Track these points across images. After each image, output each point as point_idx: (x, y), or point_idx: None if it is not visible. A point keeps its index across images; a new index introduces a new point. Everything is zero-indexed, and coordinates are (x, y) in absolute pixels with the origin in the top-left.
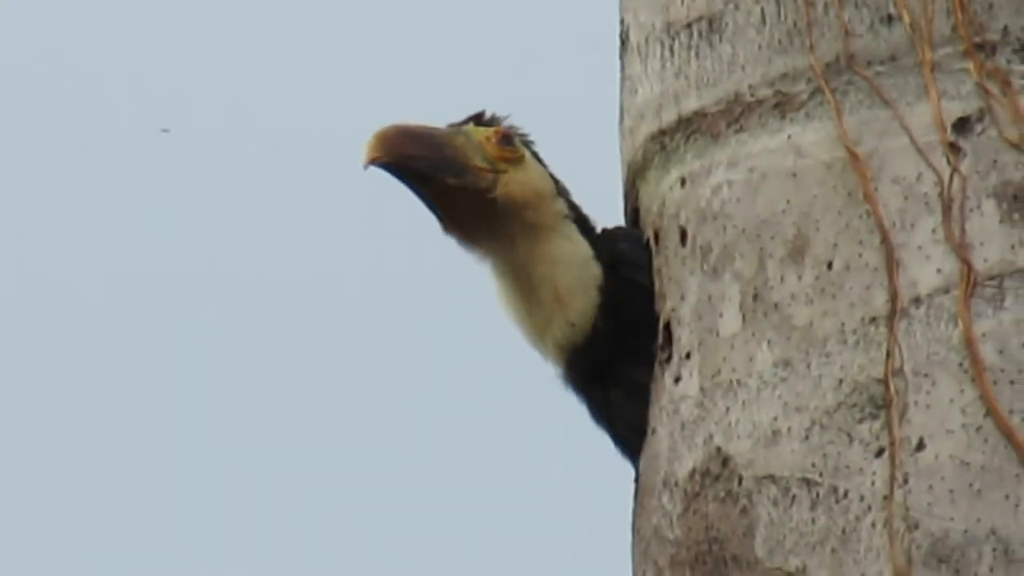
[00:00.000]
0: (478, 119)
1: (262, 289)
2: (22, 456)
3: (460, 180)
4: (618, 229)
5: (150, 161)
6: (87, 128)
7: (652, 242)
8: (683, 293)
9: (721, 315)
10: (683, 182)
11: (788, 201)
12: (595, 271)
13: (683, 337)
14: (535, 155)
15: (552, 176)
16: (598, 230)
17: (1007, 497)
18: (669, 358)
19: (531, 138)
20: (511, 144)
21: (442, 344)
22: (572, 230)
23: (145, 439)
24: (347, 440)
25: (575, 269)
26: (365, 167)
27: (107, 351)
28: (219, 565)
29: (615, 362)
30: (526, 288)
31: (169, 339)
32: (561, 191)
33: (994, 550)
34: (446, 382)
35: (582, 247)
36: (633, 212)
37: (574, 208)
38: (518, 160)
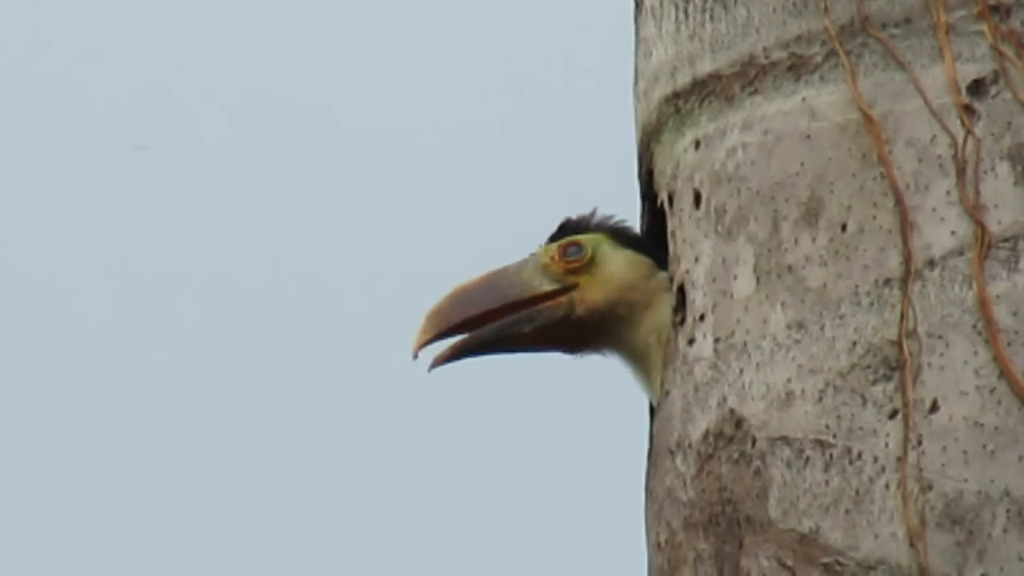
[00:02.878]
0: (558, 232)
1: (261, 291)
2: (21, 459)
3: (534, 324)
4: None
5: (144, 163)
6: (75, 129)
7: (666, 205)
8: (697, 256)
9: (735, 277)
10: (697, 144)
11: (802, 163)
12: None
13: (697, 299)
14: (623, 235)
15: (647, 245)
16: None
17: (1021, 458)
18: (683, 320)
19: (617, 219)
20: (577, 253)
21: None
22: (672, 295)
23: (148, 442)
24: (347, 442)
25: None
26: (416, 355)
27: (105, 353)
28: (219, 567)
29: None
30: (642, 360)
31: (169, 342)
32: (659, 260)
33: (1008, 511)
34: (445, 384)
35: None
36: (647, 174)
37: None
38: (588, 266)
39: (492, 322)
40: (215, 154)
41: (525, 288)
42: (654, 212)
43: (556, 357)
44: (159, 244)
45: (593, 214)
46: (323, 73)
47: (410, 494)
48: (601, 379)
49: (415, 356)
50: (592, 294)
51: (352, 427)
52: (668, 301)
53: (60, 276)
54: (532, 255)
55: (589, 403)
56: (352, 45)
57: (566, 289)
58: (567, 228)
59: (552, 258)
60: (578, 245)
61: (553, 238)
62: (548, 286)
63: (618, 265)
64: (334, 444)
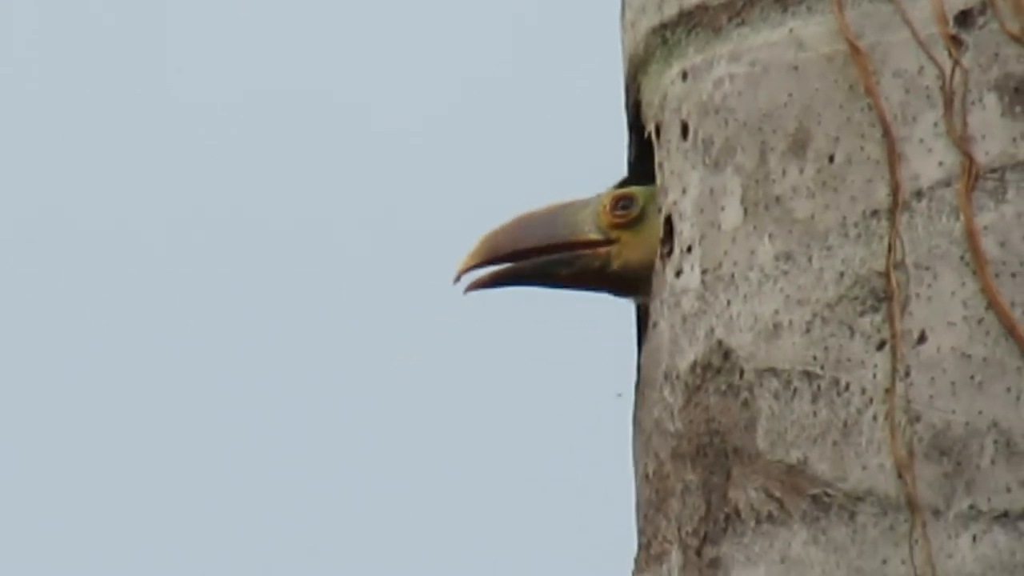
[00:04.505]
0: (627, 178)
1: (261, 291)
2: (21, 459)
3: (572, 269)
4: None
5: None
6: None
7: (653, 136)
8: (684, 187)
9: (723, 208)
10: (684, 76)
11: (790, 95)
12: None
13: (684, 231)
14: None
15: None
16: None
17: (1009, 390)
18: (670, 252)
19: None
20: (627, 207)
21: (440, 343)
22: None
23: (148, 442)
24: (347, 442)
25: None
26: (459, 278)
27: (106, 353)
28: (219, 567)
29: None
30: None
31: (170, 342)
32: None
33: (996, 442)
34: (445, 383)
35: None
36: (634, 106)
37: None
38: (634, 222)
39: (538, 258)
40: (213, 152)
41: (574, 231)
42: (641, 143)
43: (556, 352)
44: (157, 243)
45: None
46: (324, 66)
47: (410, 494)
48: (601, 378)
49: (458, 278)
50: (631, 253)
51: (352, 427)
52: None
53: (61, 275)
54: (598, 195)
55: (589, 403)
56: (352, 36)
57: (609, 241)
58: (641, 175)
59: (605, 207)
60: (630, 199)
61: (625, 181)
62: (594, 234)
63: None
64: (334, 444)
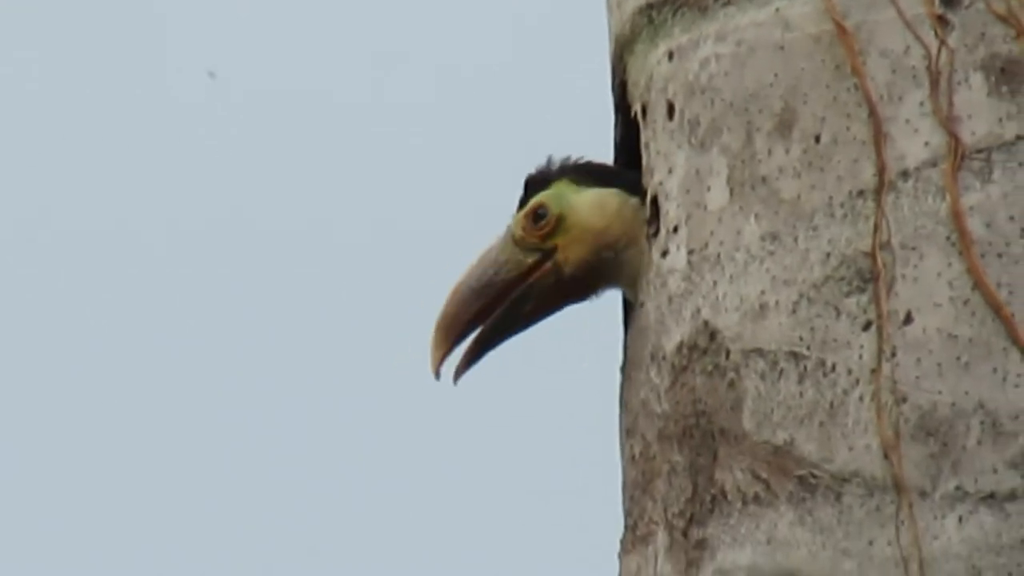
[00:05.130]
0: (524, 192)
1: (261, 291)
2: (21, 459)
3: (532, 300)
4: None
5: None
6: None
7: (639, 116)
8: (670, 167)
9: (709, 189)
10: (671, 56)
11: (776, 75)
12: None
13: (671, 211)
14: (585, 172)
15: (612, 172)
16: None
17: (995, 370)
18: (656, 232)
19: (576, 157)
20: (543, 215)
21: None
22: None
23: (148, 442)
24: (347, 442)
25: None
26: (438, 375)
27: (106, 353)
28: (219, 567)
29: None
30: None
31: (170, 342)
32: (632, 188)
33: (982, 423)
34: (445, 383)
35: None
36: (620, 86)
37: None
38: (558, 225)
39: (495, 310)
40: (213, 152)
41: (512, 267)
42: (628, 124)
43: (556, 349)
44: (157, 243)
45: (550, 162)
46: (324, 66)
47: (410, 494)
48: (602, 376)
49: (437, 376)
50: (574, 252)
51: (352, 427)
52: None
53: (61, 275)
54: (508, 227)
55: (588, 401)
56: (352, 36)
57: (548, 254)
58: (531, 185)
59: (524, 229)
60: (542, 207)
61: (521, 201)
62: (531, 257)
63: (587, 212)
64: (334, 444)
